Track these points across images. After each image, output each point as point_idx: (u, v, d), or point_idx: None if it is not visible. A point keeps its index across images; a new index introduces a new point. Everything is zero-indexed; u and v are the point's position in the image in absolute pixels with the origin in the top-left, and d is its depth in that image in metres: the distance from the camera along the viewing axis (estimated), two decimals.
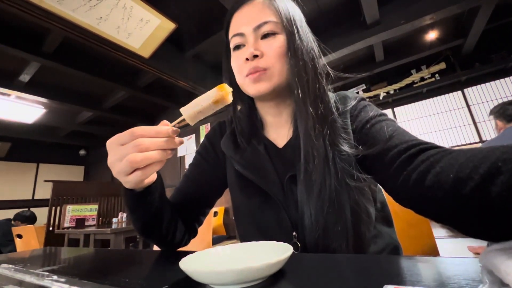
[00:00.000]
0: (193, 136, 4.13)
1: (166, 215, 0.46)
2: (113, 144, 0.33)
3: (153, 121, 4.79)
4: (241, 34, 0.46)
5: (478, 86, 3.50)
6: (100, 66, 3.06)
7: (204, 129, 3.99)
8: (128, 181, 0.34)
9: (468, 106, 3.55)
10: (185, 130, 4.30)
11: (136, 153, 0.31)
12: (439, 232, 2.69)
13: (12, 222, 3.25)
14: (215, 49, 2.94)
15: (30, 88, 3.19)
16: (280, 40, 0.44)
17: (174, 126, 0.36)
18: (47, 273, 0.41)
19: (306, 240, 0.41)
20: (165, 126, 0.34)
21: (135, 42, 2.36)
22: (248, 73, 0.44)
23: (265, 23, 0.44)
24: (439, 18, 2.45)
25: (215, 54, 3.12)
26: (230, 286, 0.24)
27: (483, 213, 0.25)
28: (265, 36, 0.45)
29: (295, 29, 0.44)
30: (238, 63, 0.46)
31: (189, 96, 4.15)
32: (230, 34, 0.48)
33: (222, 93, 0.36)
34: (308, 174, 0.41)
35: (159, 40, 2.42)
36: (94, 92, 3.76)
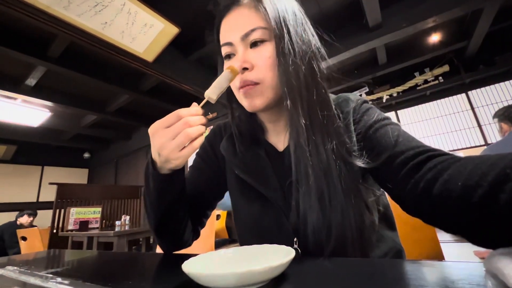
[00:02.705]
0: None
1: (183, 207, 0.46)
2: (158, 128, 0.37)
3: None
4: (229, 44, 0.44)
5: (483, 89, 3.47)
6: (104, 70, 3.11)
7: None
8: (181, 156, 0.36)
9: (472, 108, 3.52)
10: None
11: (189, 127, 0.35)
12: (444, 236, 2.65)
13: (18, 224, 3.28)
14: (218, 52, 2.96)
15: (36, 92, 3.25)
16: (269, 49, 0.41)
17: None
18: (51, 275, 0.41)
19: (308, 246, 0.40)
20: (195, 107, 0.38)
21: (139, 46, 2.40)
22: (239, 86, 0.43)
23: (253, 30, 0.41)
24: (441, 20, 2.45)
25: (218, 58, 3.15)
26: None
27: (492, 221, 0.24)
28: (254, 44, 0.42)
29: (285, 32, 0.40)
30: None
31: (192, 100, 4.17)
32: (220, 42, 0.46)
33: (234, 73, 0.41)
34: (309, 185, 0.39)
35: (163, 44, 2.45)
36: (98, 95, 3.81)
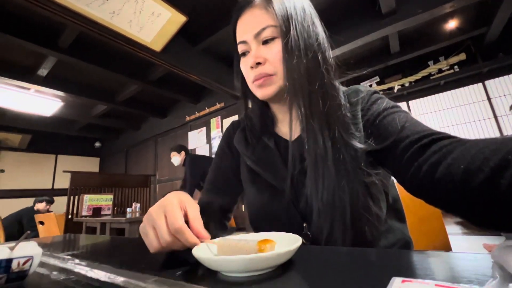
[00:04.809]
0: (204, 129, 4.18)
1: None
2: (152, 215, 0.34)
3: (164, 114, 4.87)
4: (244, 42, 0.48)
5: (501, 78, 3.32)
6: (113, 61, 3.13)
7: (214, 122, 4.03)
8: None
9: (489, 99, 3.38)
10: (195, 123, 4.35)
11: (154, 238, 0.33)
12: (452, 229, 2.62)
13: (35, 210, 3.44)
14: (226, 42, 2.93)
15: (47, 82, 3.32)
16: (279, 44, 0.45)
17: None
18: (69, 257, 0.43)
19: (314, 233, 0.42)
20: (195, 239, 0.32)
21: (147, 35, 2.39)
22: (254, 79, 0.47)
23: (263, 29, 0.45)
24: (460, 6, 2.32)
25: (226, 47, 3.11)
26: (240, 273, 0.25)
27: (492, 206, 0.25)
28: (266, 41, 0.46)
29: (292, 28, 0.44)
30: (245, 70, 0.49)
31: (200, 90, 4.18)
32: (237, 41, 0.50)
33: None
34: (315, 169, 0.41)
35: (170, 34, 2.44)
36: (107, 86, 3.85)
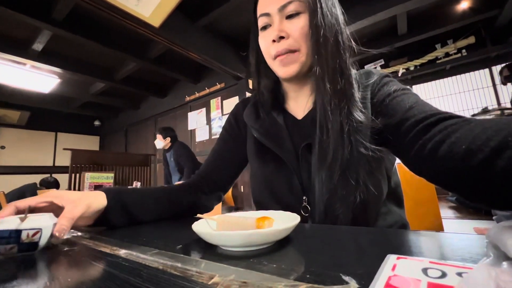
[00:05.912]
0: (204, 110, 4.14)
1: (164, 207, 0.51)
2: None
3: (164, 94, 4.80)
4: (267, 14, 0.47)
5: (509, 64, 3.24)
6: (110, 36, 3.02)
7: (214, 103, 3.98)
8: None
9: (494, 85, 3.33)
10: (195, 103, 4.30)
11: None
12: (446, 213, 2.70)
13: (38, 186, 3.51)
14: (228, 18, 2.81)
15: (43, 57, 3.22)
16: (304, 20, 0.45)
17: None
18: (72, 230, 0.44)
19: (316, 204, 0.43)
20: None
21: (145, 10, 2.28)
22: (276, 54, 0.46)
23: (289, 2, 0.44)
24: None
25: (228, 24, 2.99)
26: (239, 248, 0.26)
27: (489, 185, 0.26)
28: (290, 16, 0.45)
29: (318, 6, 0.43)
30: (265, 44, 0.48)
31: (201, 69, 4.08)
32: (257, 13, 0.49)
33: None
34: (322, 144, 0.43)
35: (169, 8, 2.32)
36: (105, 63, 3.76)
